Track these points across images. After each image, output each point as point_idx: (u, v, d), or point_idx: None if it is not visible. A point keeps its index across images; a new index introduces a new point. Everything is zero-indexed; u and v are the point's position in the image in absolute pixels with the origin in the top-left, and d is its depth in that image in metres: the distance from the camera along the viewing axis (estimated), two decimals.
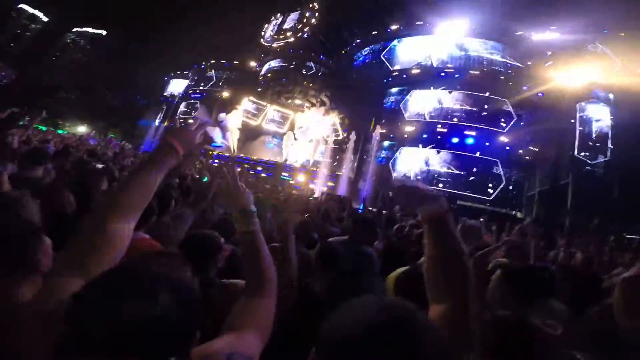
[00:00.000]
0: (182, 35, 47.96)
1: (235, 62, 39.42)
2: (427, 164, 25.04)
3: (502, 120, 24.78)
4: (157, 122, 39.40)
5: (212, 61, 40.48)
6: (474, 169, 24.19)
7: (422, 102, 27.18)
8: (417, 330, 0.49)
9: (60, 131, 20.76)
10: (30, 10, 68.08)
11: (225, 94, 35.54)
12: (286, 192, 10.60)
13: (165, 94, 43.45)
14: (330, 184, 21.18)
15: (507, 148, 23.89)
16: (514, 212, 21.35)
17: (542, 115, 22.96)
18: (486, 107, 25.39)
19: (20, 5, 66.38)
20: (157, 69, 44.99)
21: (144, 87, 45.24)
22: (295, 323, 1.64)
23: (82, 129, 34.45)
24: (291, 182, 20.16)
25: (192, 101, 39.20)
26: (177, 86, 42.85)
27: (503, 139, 24.15)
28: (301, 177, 21.10)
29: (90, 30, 70.34)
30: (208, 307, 1.35)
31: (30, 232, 1.15)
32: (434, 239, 0.87)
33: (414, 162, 25.55)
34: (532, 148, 23.25)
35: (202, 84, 39.93)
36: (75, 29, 69.41)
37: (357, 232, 2.67)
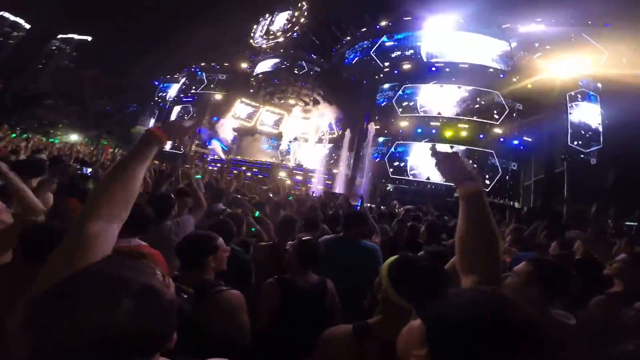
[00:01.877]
0: (170, 39, 47.50)
1: (226, 64, 39.12)
2: (422, 157, 25.13)
3: (495, 112, 24.95)
4: (150, 126, 39.08)
5: (203, 64, 40.16)
6: (470, 161, 24.21)
7: (415, 97, 27.26)
8: (515, 314, 0.51)
9: (52, 140, 20.44)
10: (12, 17, 66.83)
11: (218, 97, 35.27)
12: (283, 192, 10.49)
13: (156, 98, 43.08)
14: (327, 182, 21.15)
15: (501, 139, 24.06)
16: (511, 202, 21.52)
17: (534, 106, 23.18)
18: (478, 99, 25.54)
19: (0, 13, 65.09)
20: (146, 73, 44.57)
21: (135, 93, 44.77)
22: (280, 317, 1.63)
23: (74, 137, 33.97)
24: (288, 182, 20.10)
25: (185, 105, 38.91)
26: (169, 90, 42.52)
27: (497, 130, 24.31)
28: (298, 177, 21.05)
29: (76, 36, 69.39)
30: (196, 313, 1.29)
31: None
32: (470, 215, 0.93)
33: (409, 156, 25.64)
34: (526, 138, 23.43)
35: (194, 87, 39.60)
36: (60, 36, 68.45)
37: (350, 227, 2.50)
